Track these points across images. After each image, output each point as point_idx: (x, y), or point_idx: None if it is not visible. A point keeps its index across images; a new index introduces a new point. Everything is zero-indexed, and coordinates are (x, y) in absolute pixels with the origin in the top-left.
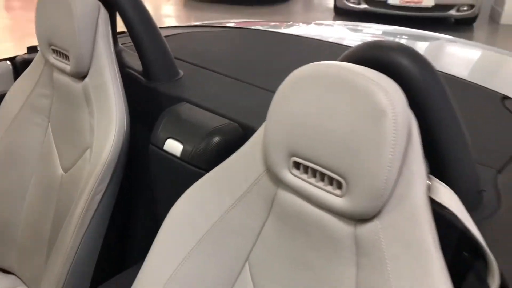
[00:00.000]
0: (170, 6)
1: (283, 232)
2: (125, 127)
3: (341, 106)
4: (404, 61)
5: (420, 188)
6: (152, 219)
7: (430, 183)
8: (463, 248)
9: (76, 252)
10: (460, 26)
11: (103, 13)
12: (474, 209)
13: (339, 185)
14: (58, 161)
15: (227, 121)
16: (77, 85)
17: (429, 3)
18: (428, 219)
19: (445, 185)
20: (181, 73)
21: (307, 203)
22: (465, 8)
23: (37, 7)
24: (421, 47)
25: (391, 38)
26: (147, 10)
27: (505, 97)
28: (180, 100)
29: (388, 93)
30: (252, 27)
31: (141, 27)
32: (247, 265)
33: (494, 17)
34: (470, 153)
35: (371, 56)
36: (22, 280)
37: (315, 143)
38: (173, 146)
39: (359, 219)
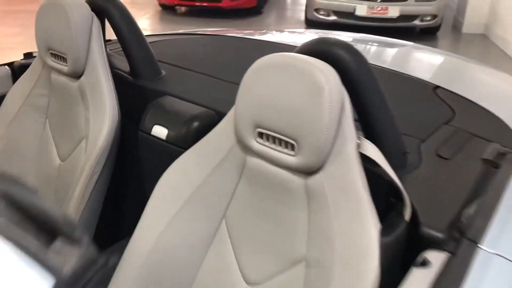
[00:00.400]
0: (146, 20)
1: (252, 191)
2: (117, 118)
3: (292, 86)
4: (341, 52)
5: (351, 146)
6: (142, 194)
7: (359, 142)
8: (390, 195)
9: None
10: (426, 35)
11: (96, 22)
12: (399, 166)
13: (292, 147)
14: (56, 153)
15: (204, 109)
16: (73, 84)
17: (394, 13)
18: (359, 169)
19: (371, 143)
20: (163, 72)
21: (269, 164)
22: (428, 18)
23: (36, 18)
24: (382, 50)
25: (360, 44)
26: (133, 17)
27: (437, 87)
28: (163, 94)
29: (325, 75)
30: (228, 34)
31: (128, 32)
32: (224, 221)
33: (456, 27)
34: (393, 122)
35: (317, 49)
36: None
37: (274, 115)
38: (159, 131)
39: (308, 172)
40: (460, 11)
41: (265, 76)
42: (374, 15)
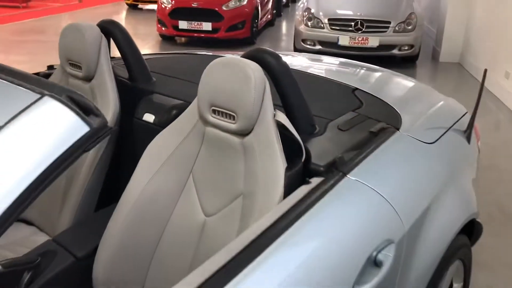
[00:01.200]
0: (147, 49)
1: (209, 151)
2: (117, 111)
3: (232, 77)
4: (267, 56)
5: (270, 115)
6: (134, 164)
7: (275, 113)
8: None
9: (81, 198)
10: (406, 64)
11: (104, 40)
12: (307, 133)
13: (234, 118)
14: None
15: (180, 101)
16: (85, 85)
17: (374, 43)
18: (275, 131)
19: (283, 113)
20: (154, 79)
21: (220, 131)
22: (406, 48)
23: (60, 37)
24: (342, 69)
25: (344, 67)
26: (131, 37)
27: (356, 89)
28: (153, 93)
29: (253, 70)
30: (206, 53)
31: (128, 48)
32: (191, 175)
33: (435, 56)
34: (304, 103)
35: (252, 54)
36: (40, 229)
37: (222, 97)
38: (148, 117)
39: (243, 134)
40: (438, 42)
41: (216, 71)
42: (356, 45)
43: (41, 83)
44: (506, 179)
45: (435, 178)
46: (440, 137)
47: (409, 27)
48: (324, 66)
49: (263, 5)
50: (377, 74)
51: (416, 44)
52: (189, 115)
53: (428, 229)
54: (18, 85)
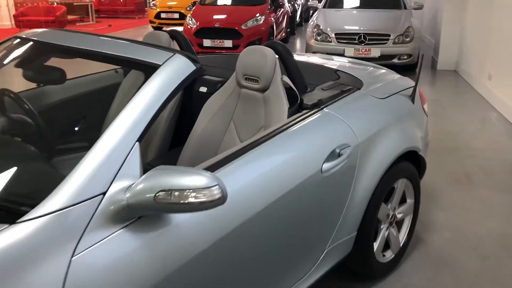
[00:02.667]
0: None
1: (243, 103)
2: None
3: (257, 56)
4: (276, 45)
5: (279, 78)
6: (196, 117)
7: (282, 77)
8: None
9: (161, 139)
10: (406, 72)
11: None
12: (302, 91)
13: (257, 81)
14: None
15: (221, 78)
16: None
17: (376, 54)
18: (282, 87)
19: (287, 78)
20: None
21: (249, 90)
22: (405, 57)
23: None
24: (358, 67)
25: (351, 65)
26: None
27: (337, 70)
28: (203, 75)
29: (268, 51)
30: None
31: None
32: (232, 120)
33: (433, 65)
34: (300, 74)
35: (268, 44)
36: None
37: (250, 68)
38: (203, 89)
39: (263, 90)
40: (436, 52)
41: (247, 53)
42: (360, 55)
43: (166, 48)
44: (476, 155)
45: (381, 118)
46: (389, 96)
47: (407, 39)
48: (324, 60)
49: (278, 24)
50: (362, 66)
51: (414, 53)
52: (229, 84)
53: (376, 146)
54: (157, 48)
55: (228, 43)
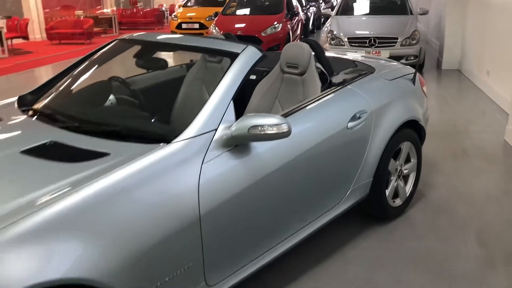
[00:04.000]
0: None
1: (285, 85)
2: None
3: (296, 48)
4: (311, 41)
5: (313, 65)
6: (249, 99)
7: (316, 64)
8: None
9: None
10: None
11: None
12: (330, 74)
13: (297, 67)
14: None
15: (266, 68)
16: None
17: (385, 55)
18: (315, 71)
19: (320, 65)
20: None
21: (290, 74)
22: (412, 58)
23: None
24: (370, 59)
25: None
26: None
27: (354, 60)
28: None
29: (304, 45)
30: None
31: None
32: (277, 98)
33: (438, 65)
34: (328, 62)
35: (304, 40)
36: None
37: (291, 58)
38: (252, 76)
39: (301, 74)
40: (441, 53)
41: (289, 46)
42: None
43: (241, 42)
44: (472, 137)
45: (390, 94)
46: (395, 78)
47: (414, 42)
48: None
49: (293, 31)
50: (373, 58)
51: (420, 55)
52: (274, 71)
53: (386, 114)
54: (233, 42)
55: None
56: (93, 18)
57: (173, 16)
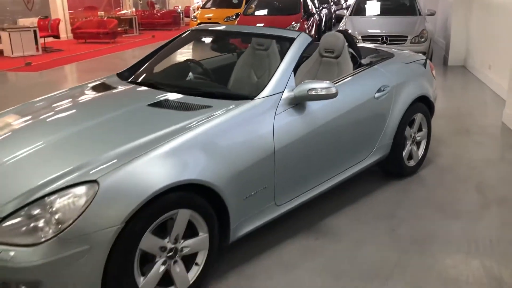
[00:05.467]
0: None
1: (323, 67)
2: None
3: (332, 37)
4: (343, 31)
5: (347, 50)
6: None
7: (349, 49)
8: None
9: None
10: None
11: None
12: (360, 57)
13: (333, 52)
14: None
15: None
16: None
17: None
18: (348, 53)
19: (352, 50)
20: None
21: (327, 58)
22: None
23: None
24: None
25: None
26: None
27: (376, 48)
28: None
29: (340, 35)
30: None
31: (352, 40)
32: (316, 78)
33: (445, 62)
34: (358, 47)
35: (338, 31)
36: None
37: (328, 45)
38: None
39: (337, 57)
40: (447, 50)
41: (326, 36)
42: None
43: (295, 30)
44: (474, 118)
45: (406, 74)
46: (410, 62)
47: (422, 40)
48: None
49: (309, 30)
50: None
51: (428, 52)
52: (313, 56)
53: (403, 89)
54: (290, 30)
55: None
56: (114, 18)
57: (192, 17)
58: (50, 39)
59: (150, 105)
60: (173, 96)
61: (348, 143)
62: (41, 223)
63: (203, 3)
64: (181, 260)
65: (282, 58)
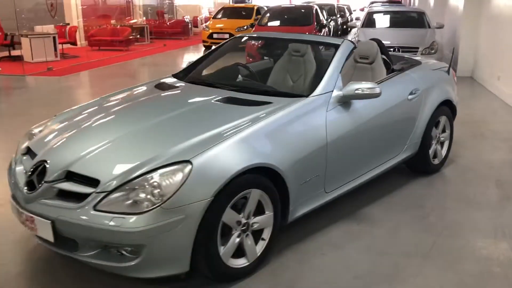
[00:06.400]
0: None
1: (357, 72)
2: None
3: (368, 45)
4: (377, 40)
5: (380, 57)
6: None
7: (381, 55)
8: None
9: None
10: None
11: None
12: (391, 63)
13: (367, 58)
14: None
15: None
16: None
17: None
18: (381, 61)
19: (385, 57)
20: None
21: (361, 64)
22: None
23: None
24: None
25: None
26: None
27: (404, 57)
28: None
29: (374, 43)
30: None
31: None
32: (351, 80)
33: None
34: (389, 54)
35: (371, 39)
36: None
37: (363, 52)
38: None
39: (371, 63)
40: (455, 61)
41: (362, 44)
42: None
43: (338, 37)
44: (487, 125)
45: (433, 79)
46: (436, 69)
47: (432, 51)
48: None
49: None
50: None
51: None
52: (348, 62)
53: (431, 93)
54: (332, 37)
55: None
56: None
57: (204, 27)
58: (66, 46)
59: (216, 101)
60: (233, 94)
61: (385, 139)
62: (145, 196)
63: (215, 13)
64: (251, 234)
65: (321, 63)
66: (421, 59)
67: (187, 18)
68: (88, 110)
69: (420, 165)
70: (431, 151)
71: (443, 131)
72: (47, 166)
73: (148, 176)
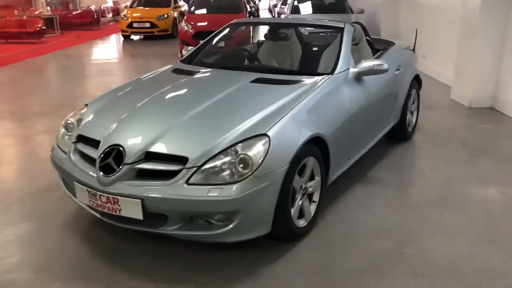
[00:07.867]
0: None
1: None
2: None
3: (356, 28)
4: (359, 23)
5: (364, 36)
6: None
7: (367, 37)
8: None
9: None
10: None
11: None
12: (374, 48)
13: (354, 40)
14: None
15: None
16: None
17: None
18: (366, 42)
19: (370, 39)
20: None
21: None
22: None
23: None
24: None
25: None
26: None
27: (378, 38)
28: None
29: (358, 26)
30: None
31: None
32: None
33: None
34: (370, 37)
35: (356, 23)
36: None
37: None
38: None
39: (357, 44)
40: None
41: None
42: None
43: (339, 22)
44: (430, 98)
45: (402, 57)
46: (406, 48)
47: None
48: None
49: None
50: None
51: None
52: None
53: (407, 69)
54: (336, 21)
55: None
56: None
57: (122, 16)
58: None
59: (251, 81)
60: (260, 76)
61: (383, 110)
62: (236, 166)
63: (131, 2)
64: (307, 197)
65: (325, 45)
66: (393, 40)
67: (93, 7)
68: (128, 95)
69: (400, 133)
70: (407, 120)
71: (413, 102)
72: (124, 149)
73: (233, 149)
